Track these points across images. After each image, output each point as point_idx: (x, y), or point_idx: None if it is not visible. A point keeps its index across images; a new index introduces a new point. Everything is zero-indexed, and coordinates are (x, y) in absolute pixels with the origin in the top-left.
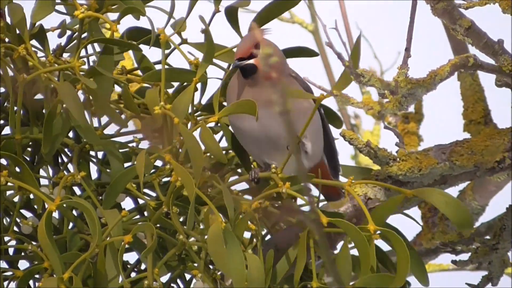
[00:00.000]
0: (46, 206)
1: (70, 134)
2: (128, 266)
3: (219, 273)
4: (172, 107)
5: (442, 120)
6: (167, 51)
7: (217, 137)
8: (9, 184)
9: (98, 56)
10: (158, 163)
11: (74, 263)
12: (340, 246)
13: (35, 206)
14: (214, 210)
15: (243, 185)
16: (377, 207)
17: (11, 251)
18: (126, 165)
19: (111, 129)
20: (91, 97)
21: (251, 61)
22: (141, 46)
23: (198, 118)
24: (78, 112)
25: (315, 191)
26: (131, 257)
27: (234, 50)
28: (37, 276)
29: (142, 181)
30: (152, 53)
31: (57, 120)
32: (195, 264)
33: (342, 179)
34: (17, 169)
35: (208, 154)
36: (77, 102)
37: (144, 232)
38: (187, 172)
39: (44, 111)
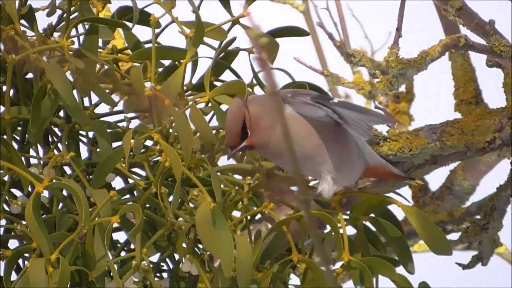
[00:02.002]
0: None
1: (61, 114)
2: (118, 245)
3: (207, 254)
4: (162, 88)
5: (433, 99)
6: (157, 30)
7: (208, 117)
8: None
9: (83, 36)
10: (150, 142)
11: (62, 243)
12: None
13: None
14: (203, 191)
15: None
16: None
17: (1, 230)
18: (117, 144)
19: (104, 108)
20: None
21: (244, 144)
22: (136, 26)
23: (189, 98)
24: (66, 92)
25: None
26: (122, 236)
27: (224, 27)
28: (26, 255)
29: (127, 161)
30: (145, 33)
31: (46, 100)
32: (184, 245)
33: None
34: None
35: (198, 134)
36: (65, 82)
37: (132, 213)
38: (175, 152)
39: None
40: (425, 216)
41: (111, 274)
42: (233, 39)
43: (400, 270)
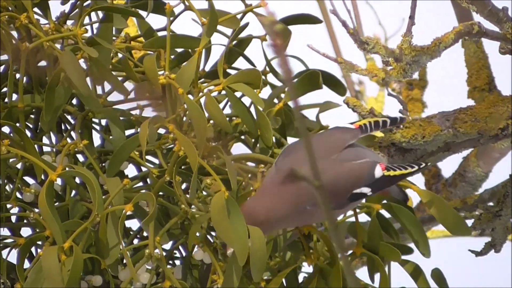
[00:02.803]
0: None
1: (74, 102)
2: (131, 233)
3: (219, 242)
4: (176, 77)
5: (447, 86)
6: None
7: (221, 105)
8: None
9: (98, 24)
10: (162, 130)
11: (75, 231)
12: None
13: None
14: (217, 180)
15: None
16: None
17: (13, 218)
18: (130, 132)
19: (117, 96)
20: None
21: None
22: (150, 15)
23: (203, 86)
24: (79, 80)
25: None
26: (135, 224)
27: (238, 16)
28: (39, 243)
29: (144, 151)
30: (159, 21)
31: (59, 88)
32: (197, 234)
33: None
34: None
35: (212, 122)
36: (78, 70)
37: (146, 201)
38: (190, 142)
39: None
40: (440, 199)
41: (124, 262)
42: (245, 25)
43: (414, 257)
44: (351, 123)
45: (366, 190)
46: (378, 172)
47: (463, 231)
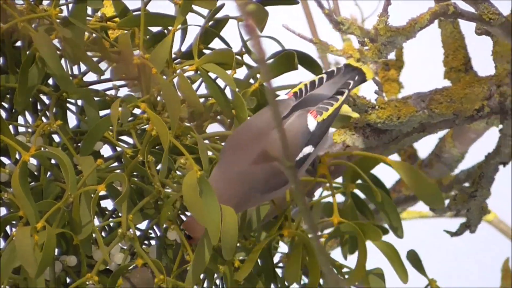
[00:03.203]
0: None
1: (50, 82)
2: (107, 213)
3: None
4: (150, 56)
5: (423, 67)
6: None
7: (196, 85)
8: None
9: (73, 5)
10: (138, 110)
11: (49, 211)
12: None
13: None
14: (189, 159)
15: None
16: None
17: None
18: (105, 112)
19: (92, 76)
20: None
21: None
22: None
23: (177, 66)
24: (53, 61)
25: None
26: (111, 204)
27: None
28: (14, 222)
29: (115, 130)
30: (136, 3)
31: (33, 68)
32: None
33: None
34: None
35: (186, 103)
36: (52, 50)
37: (119, 181)
38: (162, 121)
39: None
40: (415, 170)
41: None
42: (222, 6)
43: (389, 238)
44: (286, 93)
45: (308, 149)
46: (312, 122)
47: (437, 202)
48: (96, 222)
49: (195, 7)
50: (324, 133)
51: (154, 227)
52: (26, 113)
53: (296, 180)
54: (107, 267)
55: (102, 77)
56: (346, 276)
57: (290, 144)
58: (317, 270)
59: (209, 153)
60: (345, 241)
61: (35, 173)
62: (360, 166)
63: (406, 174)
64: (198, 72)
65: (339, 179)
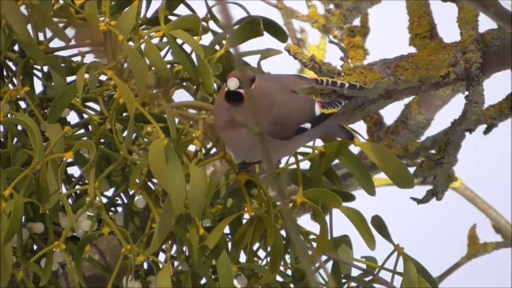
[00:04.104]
0: None
1: (16, 48)
2: (73, 180)
3: (161, 190)
4: (116, 23)
5: (388, 33)
6: None
7: (163, 52)
8: None
9: None
10: (105, 77)
11: (16, 178)
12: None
13: None
14: (156, 127)
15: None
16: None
17: None
18: (71, 79)
19: (59, 43)
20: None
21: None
22: None
23: (144, 32)
24: (20, 27)
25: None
26: (77, 171)
27: None
28: None
29: (81, 96)
30: None
31: (0, 35)
32: (137, 181)
33: None
34: None
35: (153, 69)
36: (19, 17)
37: (87, 148)
38: (128, 89)
39: None
40: (383, 149)
41: (66, 210)
42: None
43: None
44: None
45: (308, 125)
46: (317, 109)
47: (406, 181)
48: (63, 189)
49: None
50: (319, 124)
51: (121, 194)
52: None
53: (265, 147)
54: (74, 234)
55: (69, 44)
56: (314, 244)
57: (296, 112)
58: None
59: (176, 121)
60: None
61: (2, 139)
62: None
63: (375, 155)
64: (164, 39)
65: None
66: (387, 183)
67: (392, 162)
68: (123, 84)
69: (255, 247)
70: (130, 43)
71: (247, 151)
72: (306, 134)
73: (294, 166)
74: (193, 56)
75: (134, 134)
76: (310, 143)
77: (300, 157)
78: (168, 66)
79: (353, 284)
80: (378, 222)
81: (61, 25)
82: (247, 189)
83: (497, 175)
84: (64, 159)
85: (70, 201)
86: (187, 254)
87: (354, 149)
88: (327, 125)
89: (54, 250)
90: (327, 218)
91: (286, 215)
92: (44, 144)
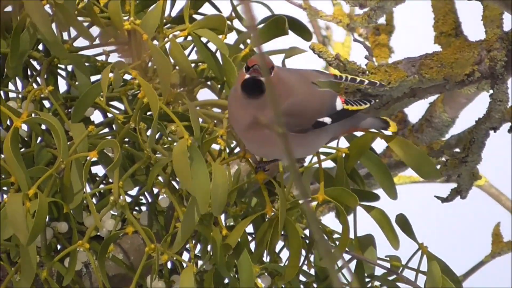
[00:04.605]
0: None
1: (40, 48)
2: (97, 179)
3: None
4: (141, 22)
5: (414, 32)
6: None
7: (187, 50)
8: None
9: None
10: (129, 76)
11: (40, 178)
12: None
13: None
14: (180, 126)
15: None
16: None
17: None
18: (96, 78)
19: (83, 42)
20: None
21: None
22: None
23: (168, 31)
24: (44, 26)
25: None
26: (102, 170)
27: None
28: (5, 188)
29: (105, 95)
30: None
31: (24, 34)
32: (161, 179)
33: None
34: None
35: (177, 68)
36: (44, 15)
37: (111, 147)
38: (152, 88)
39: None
40: (408, 142)
41: (90, 209)
42: None
43: (380, 204)
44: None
45: (328, 120)
46: (339, 104)
47: (432, 173)
48: (87, 188)
49: None
50: (340, 119)
51: (145, 193)
52: (17, 79)
53: (287, 146)
54: (98, 234)
55: (93, 43)
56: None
57: (314, 105)
58: (298, 243)
59: (200, 120)
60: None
61: (26, 139)
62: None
63: (400, 148)
64: (189, 38)
65: (333, 144)
66: (412, 180)
67: (416, 154)
68: (147, 84)
69: (279, 246)
70: (155, 42)
71: (265, 149)
72: (326, 129)
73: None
74: (218, 55)
75: (158, 133)
76: (334, 144)
77: (323, 157)
78: (193, 65)
79: (376, 283)
80: (403, 221)
81: (85, 24)
82: (272, 188)
83: None
84: (88, 158)
85: (94, 200)
86: (211, 253)
87: (377, 149)
88: (352, 121)
89: (78, 249)
90: (351, 217)
91: (308, 213)
92: (68, 143)
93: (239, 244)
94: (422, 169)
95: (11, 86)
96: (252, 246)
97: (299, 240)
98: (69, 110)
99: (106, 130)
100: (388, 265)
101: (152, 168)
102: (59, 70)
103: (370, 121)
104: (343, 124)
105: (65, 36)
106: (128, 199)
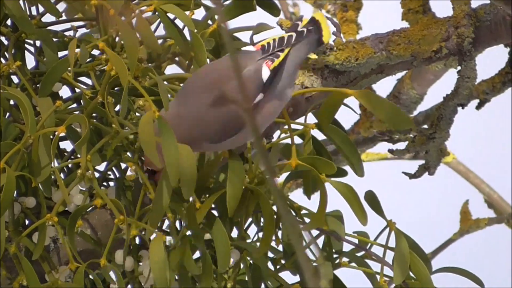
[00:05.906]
0: None
1: (8, 23)
2: (66, 154)
3: None
4: None
5: (381, 8)
6: None
7: (154, 26)
8: None
9: None
10: (97, 52)
11: (8, 152)
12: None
13: None
14: (148, 100)
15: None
16: (321, 108)
17: None
18: (63, 53)
19: (51, 17)
20: None
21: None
22: None
23: (135, 6)
24: (12, 1)
25: None
26: (70, 145)
27: None
28: None
29: (72, 70)
30: None
31: None
32: (129, 154)
33: None
34: None
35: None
36: None
37: (79, 122)
38: (121, 60)
39: None
40: (377, 95)
41: (57, 183)
42: None
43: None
44: (254, 44)
45: (259, 97)
46: (266, 72)
47: (404, 122)
48: (56, 163)
49: None
50: (277, 79)
51: (114, 168)
52: None
53: (253, 122)
54: (66, 209)
55: (61, 18)
56: (306, 219)
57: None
58: (271, 218)
59: (168, 95)
60: (306, 182)
61: None
62: (324, 106)
63: (369, 101)
64: (156, 13)
65: (301, 119)
66: (379, 157)
67: (385, 105)
68: (115, 55)
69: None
70: (122, 17)
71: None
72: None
73: (287, 140)
74: (186, 31)
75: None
76: (302, 120)
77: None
78: (161, 40)
79: (345, 259)
80: (371, 198)
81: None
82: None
83: (490, 150)
84: (56, 133)
85: (62, 176)
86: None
87: (345, 125)
88: (291, 60)
89: (46, 223)
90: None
91: (274, 188)
92: (36, 118)
93: (212, 216)
94: (393, 119)
95: None
96: None
97: (272, 213)
98: (37, 85)
99: (74, 105)
100: (356, 241)
101: (114, 139)
102: (27, 46)
103: (305, 47)
104: (284, 80)
105: (34, 11)
106: (97, 175)
